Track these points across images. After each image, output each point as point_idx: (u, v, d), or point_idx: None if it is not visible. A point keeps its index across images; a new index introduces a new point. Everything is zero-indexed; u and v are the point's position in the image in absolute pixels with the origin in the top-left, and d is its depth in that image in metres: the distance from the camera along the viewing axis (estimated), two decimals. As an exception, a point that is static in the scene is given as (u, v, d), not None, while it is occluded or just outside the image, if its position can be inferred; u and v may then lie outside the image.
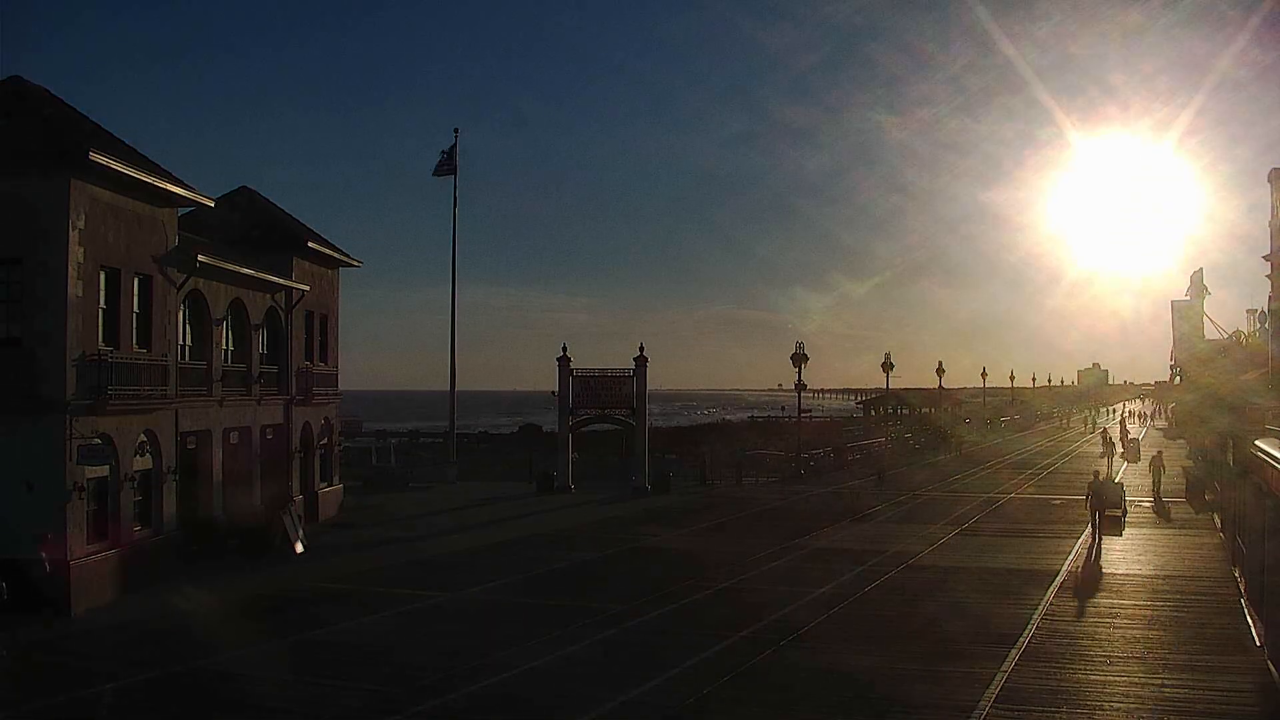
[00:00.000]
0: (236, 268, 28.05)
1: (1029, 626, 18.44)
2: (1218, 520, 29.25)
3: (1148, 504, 36.28)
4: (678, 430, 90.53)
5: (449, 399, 52.12)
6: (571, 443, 44.04)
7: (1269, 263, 31.14)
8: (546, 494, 41.93)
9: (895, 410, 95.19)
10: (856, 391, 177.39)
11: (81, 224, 21.16)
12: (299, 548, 27.64)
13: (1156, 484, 37.82)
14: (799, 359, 48.94)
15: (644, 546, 29.24)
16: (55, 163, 20.82)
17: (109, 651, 17.79)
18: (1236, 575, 21.18)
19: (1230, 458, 25.48)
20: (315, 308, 34.82)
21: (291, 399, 32.79)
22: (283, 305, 32.31)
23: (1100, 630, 18.37)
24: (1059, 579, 23.02)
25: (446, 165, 48.04)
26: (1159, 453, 41.74)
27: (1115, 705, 14.07)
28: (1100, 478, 30.80)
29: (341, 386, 38.24)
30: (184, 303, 26.09)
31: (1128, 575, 23.88)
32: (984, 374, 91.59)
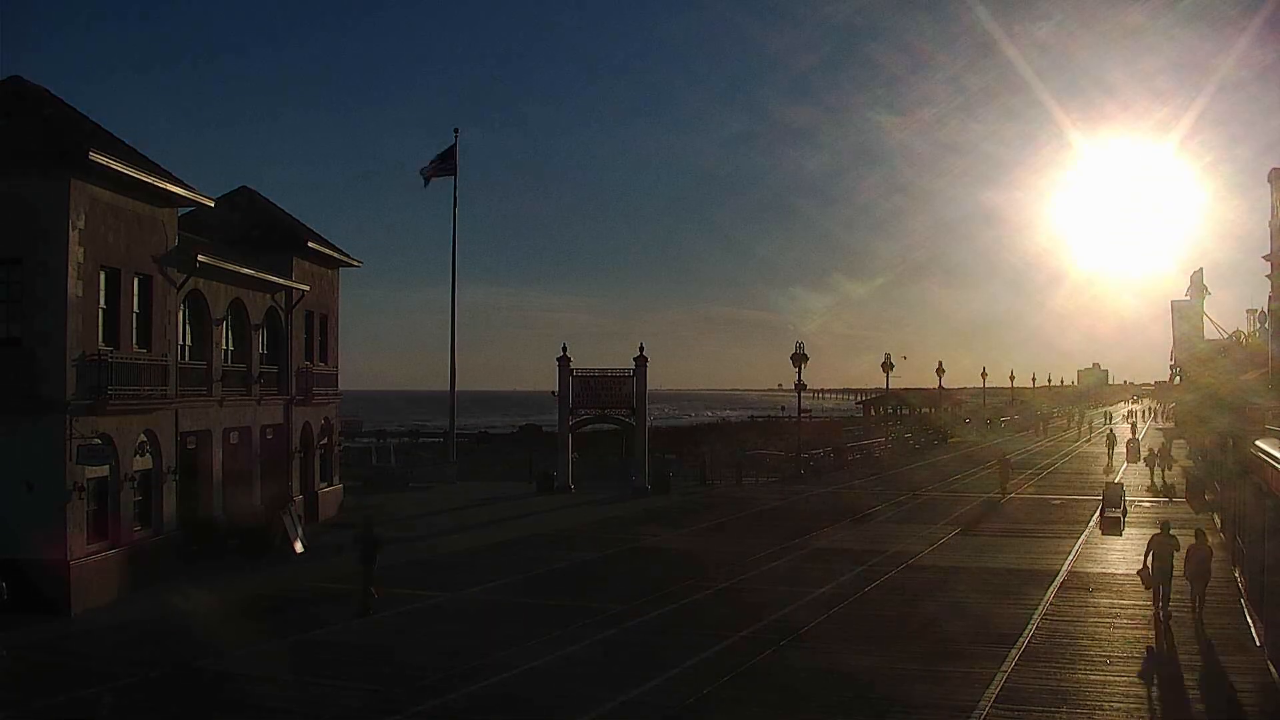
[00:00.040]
0: (236, 268, 28.05)
1: (1029, 626, 18.45)
2: (1218, 520, 29.23)
3: (1148, 504, 36.29)
4: (678, 430, 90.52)
5: (449, 399, 52.12)
6: (571, 443, 44.03)
7: (1269, 263, 31.17)
8: (546, 494, 41.92)
9: (895, 410, 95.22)
10: (856, 391, 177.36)
11: (81, 224, 21.16)
12: (299, 548, 27.65)
13: (1160, 476, 37.70)
14: (799, 359, 48.94)
15: (644, 546, 29.23)
16: (55, 163, 20.82)
17: (109, 651, 17.79)
18: (1236, 575, 21.18)
19: (1230, 458, 25.50)
20: (315, 308, 34.82)
21: (291, 399, 32.79)
22: (283, 305, 32.30)
23: (1100, 630, 18.37)
24: (1059, 579, 23.02)
25: (443, 166, 47.96)
26: (1159, 446, 41.66)
27: (1115, 705, 14.07)
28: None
29: (341, 386, 38.24)
30: (184, 303, 26.09)
31: (1128, 575, 23.85)
32: (984, 374, 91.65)
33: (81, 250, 21.12)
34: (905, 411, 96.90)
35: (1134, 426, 77.98)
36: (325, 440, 36.10)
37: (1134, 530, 30.52)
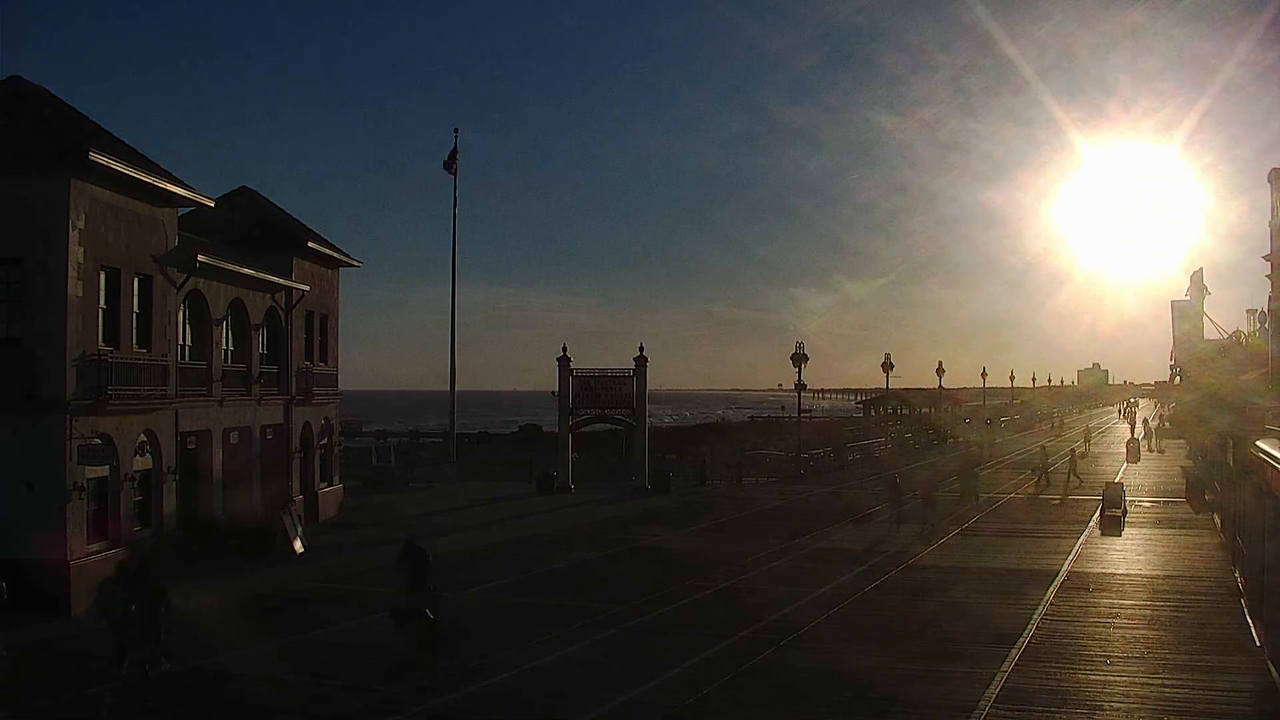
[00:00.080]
0: (236, 268, 28.05)
1: (1029, 626, 18.45)
2: (1218, 520, 29.26)
3: (1148, 503, 36.31)
4: (678, 430, 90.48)
5: (449, 399, 52.12)
6: (571, 443, 44.03)
7: (1269, 263, 31.14)
8: (546, 494, 41.93)
9: (895, 410, 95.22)
10: (856, 391, 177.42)
11: (81, 224, 21.16)
12: (299, 547, 27.65)
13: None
14: (799, 359, 48.95)
15: (644, 546, 29.23)
16: (55, 163, 20.82)
17: (109, 651, 17.75)
18: (1236, 575, 21.19)
19: (1230, 458, 25.49)
20: (315, 308, 34.82)
21: (291, 399, 32.79)
22: (283, 305, 32.31)
23: (1100, 630, 18.38)
24: (1059, 579, 23.02)
25: (446, 164, 48.10)
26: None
27: (1115, 705, 14.08)
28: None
29: (341, 386, 38.24)
30: (184, 303, 26.09)
31: (1128, 575, 23.89)
32: (984, 374, 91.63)
33: (81, 250, 21.12)
34: (905, 411, 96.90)
35: (1132, 427, 77.91)
36: (325, 440, 36.10)
37: (1134, 530, 30.56)
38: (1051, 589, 21.91)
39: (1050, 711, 13.90)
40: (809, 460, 51.72)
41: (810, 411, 63.95)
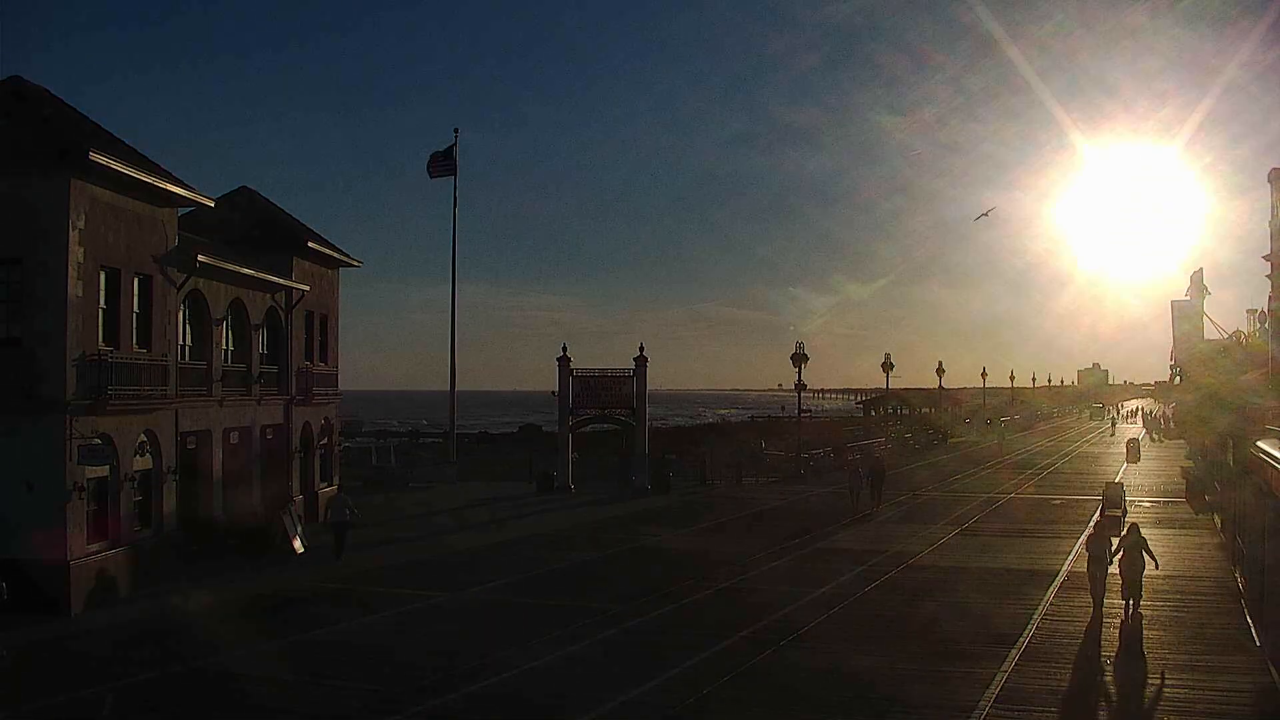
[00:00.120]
0: (236, 268, 28.04)
1: (1029, 626, 18.45)
2: (1218, 521, 29.25)
3: (1148, 504, 36.31)
4: (678, 430, 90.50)
5: (449, 399, 52.14)
6: (571, 443, 44.04)
7: (1269, 263, 31.15)
8: (546, 494, 41.93)
9: (895, 410, 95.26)
10: (857, 391, 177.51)
11: (81, 224, 21.16)
12: (299, 547, 27.65)
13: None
14: (799, 359, 48.94)
15: (644, 546, 29.23)
16: (55, 163, 20.81)
17: (109, 651, 17.78)
18: (1236, 576, 21.19)
19: (1231, 458, 25.49)
20: (315, 308, 34.81)
21: (291, 399, 32.79)
22: (283, 305, 32.30)
23: (1100, 630, 18.36)
24: (1059, 579, 23.02)
25: (444, 165, 48.01)
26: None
27: (1115, 705, 14.08)
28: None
29: (341, 386, 38.23)
30: (184, 303, 26.08)
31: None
32: (984, 374, 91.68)
33: (81, 250, 21.12)
34: (905, 411, 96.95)
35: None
36: (325, 440, 36.09)
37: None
38: (1051, 589, 21.91)
39: (1050, 711, 13.90)
40: (809, 460, 51.73)
41: (810, 411, 63.99)
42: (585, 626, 18.76)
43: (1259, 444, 17.01)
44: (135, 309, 23.44)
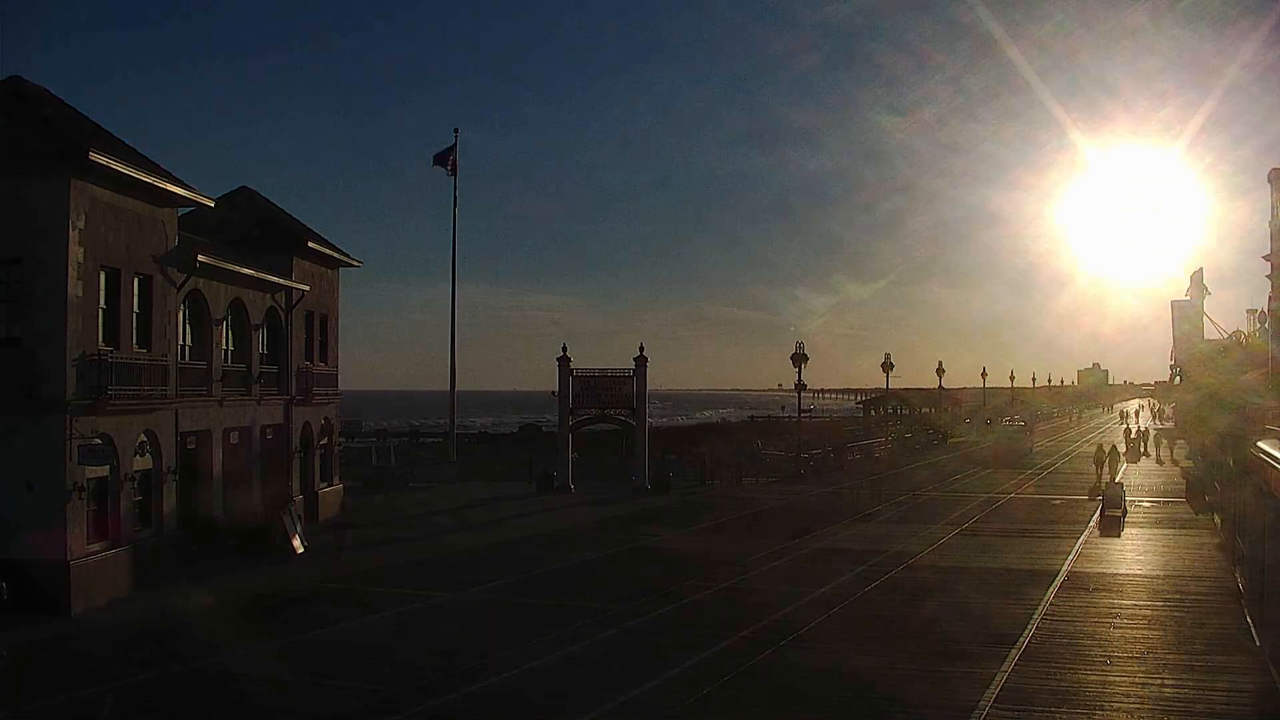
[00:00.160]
0: (236, 268, 28.05)
1: (1029, 626, 18.46)
2: (1218, 521, 29.26)
3: (1148, 504, 36.34)
4: (678, 430, 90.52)
5: (449, 399, 52.15)
6: (571, 443, 44.04)
7: (1269, 263, 31.19)
8: (546, 494, 41.94)
9: (895, 410, 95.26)
10: (857, 391, 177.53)
11: (81, 224, 21.16)
12: (299, 547, 27.65)
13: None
14: (799, 359, 48.97)
15: (644, 546, 29.24)
16: (55, 163, 20.81)
17: (109, 651, 17.78)
18: (1236, 576, 21.18)
19: (1231, 458, 25.49)
20: (315, 308, 34.82)
21: (291, 399, 32.79)
22: (283, 305, 32.31)
23: (1100, 630, 18.38)
24: (1059, 579, 23.02)
25: (449, 162, 48.04)
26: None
27: (1115, 705, 14.08)
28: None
29: (341, 386, 38.25)
30: (184, 303, 26.08)
31: (1128, 575, 23.90)
32: (984, 374, 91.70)
33: (81, 250, 21.12)
34: (905, 411, 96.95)
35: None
36: (325, 440, 36.10)
37: (1134, 530, 30.57)
38: (1051, 589, 21.92)
39: (1050, 711, 13.90)
40: (809, 460, 51.75)
41: (810, 411, 64.02)
42: (585, 626, 18.77)
43: (1259, 444, 17.00)
44: (135, 309, 23.43)
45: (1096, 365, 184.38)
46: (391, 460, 53.41)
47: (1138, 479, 44.77)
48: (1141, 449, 57.67)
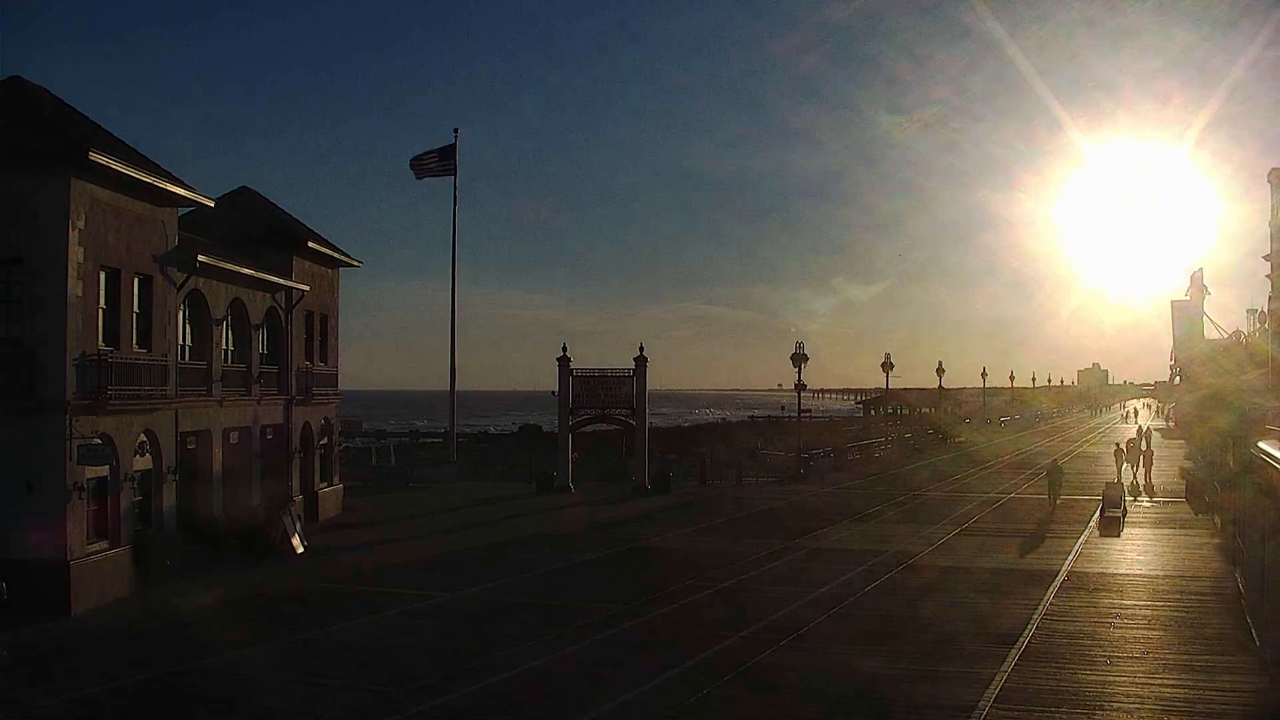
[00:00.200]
0: (236, 268, 28.05)
1: (1029, 626, 18.44)
2: (1218, 521, 29.25)
3: (1148, 504, 36.32)
4: (678, 430, 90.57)
5: (449, 399, 52.15)
6: (571, 443, 44.04)
7: (1269, 263, 31.20)
8: (546, 494, 41.92)
9: (895, 410, 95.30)
10: (857, 391, 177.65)
11: (81, 224, 21.15)
12: (299, 547, 27.65)
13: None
14: (799, 359, 48.96)
15: (644, 546, 29.23)
16: (55, 162, 20.80)
17: (108, 651, 17.80)
18: (1236, 576, 21.18)
19: (1231, 458, 25.50)
20: (315, 308, 34.82)
21: (291, 399, 32.79)
22: (283, 305, 32.31)
23: (1100, 630, 18.37)
24: (1059, 579, 23.02)
25: (443, 166, 47.93)
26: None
27: (1115, 705, 14.08)
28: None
29: (341, 386, 38.25)
30: (184, 303, 26.07)
31: (1128, 575, 23.89)
32: (984, 374, 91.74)
33: (81, 250, 21.11)
34: (905, 411, 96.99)
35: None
36: (325, 440, 36.10)
37: (1134, 530, 30.56)
38: (1051, 589, 21.91)
39: (1050, 711, 13.89)
40: (809, 460, 51.76)
41: (810, 412, 64.03)
42: (585, 626, 18.77)
43: (1259, 444, 17.00)
44: (135, 309, 23.43)
45: (1096, 365, 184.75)
46: (391, 460, 53.43)
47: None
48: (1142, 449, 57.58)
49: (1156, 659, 16.41)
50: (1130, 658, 16.52)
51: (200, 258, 25.48)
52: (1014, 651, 16.68)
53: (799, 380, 49.42)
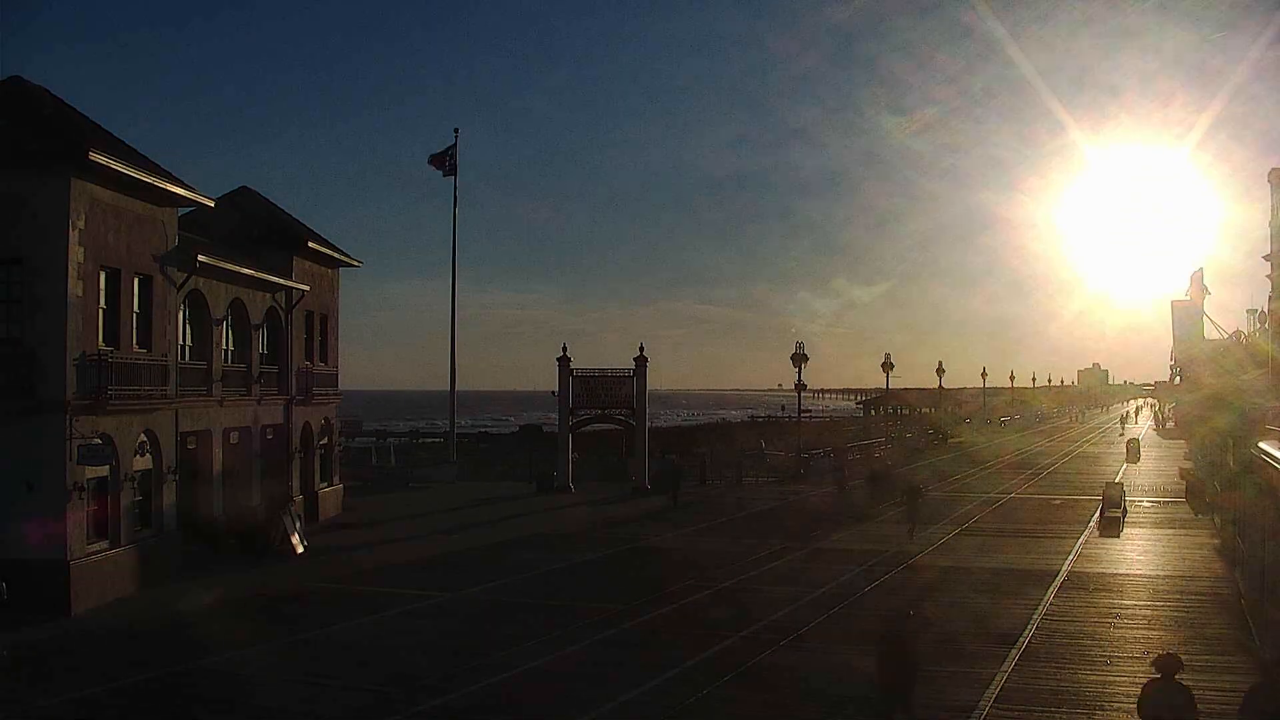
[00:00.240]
0: (236, 268, 28.04)
1: (1029, 626, 18.45)
2: (1218, 521, 29.25)
3: (1148, 504, 36.31)
4: (678, 430, 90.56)
5: (449, 399, 52.14)
6: (571, 443, 44.03)
7: (1269, 263, 31.16)
8: (546, 494, 41.92)
9: (895, 410, 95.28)
10: (857, 391, 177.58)
11: (81, 224, 21.15)
12: (299, 547, 27.65)
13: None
14: (799, 359, 48.94)
15: (644, 546, 29.23)
16: (55, 162, 20.80)
17: (109, 651, 17.80)
18: (1236, 576, 21.18)
19: (1231, 458, 25.50)
20: (315, 308, 34.81)
21: (291, 399, 32.78)
22: (283, 305, 32.30)
23: (1100, 630, 18.37)
24: (1059, 579, 23.01)
25: (444, 165, 48.00)
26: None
27: (1115, 705, 14.08)
28: None
29: (341, 386, 38.25)
30: (184, 303, 26.07)
31: (1128, 575, 23.89)
32: (984, 374, 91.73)
33: (81, 250, 21.11)
34: (905, 411, 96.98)
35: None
36: (325, 440, 36.10)
37: (1134, 530, 30.56)
38: (1051, 589, 21.91)
39: (1050, 711, 13.90)
40: (809, 460, 51.75)
41: (810, 412, 64.06)
42: (584, 626, 18.77)
43: (1260, 444, 17.00)
44: (135, 309, 23.42)
45: (1096, 365, 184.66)
46: (391, 460, 53.47)
47: (1138, 479, 44.75)
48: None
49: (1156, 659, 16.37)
50: (1130, 658, 16.51)
51: (200, 258, 25.48)
52: (1014, 651, 16.69)
53: (799, 380, 49.41)
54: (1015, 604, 20.48)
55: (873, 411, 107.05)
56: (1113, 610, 20.02)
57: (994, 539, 29.46)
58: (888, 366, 62.91)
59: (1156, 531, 30.49)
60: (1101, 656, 16.58)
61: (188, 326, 26.79)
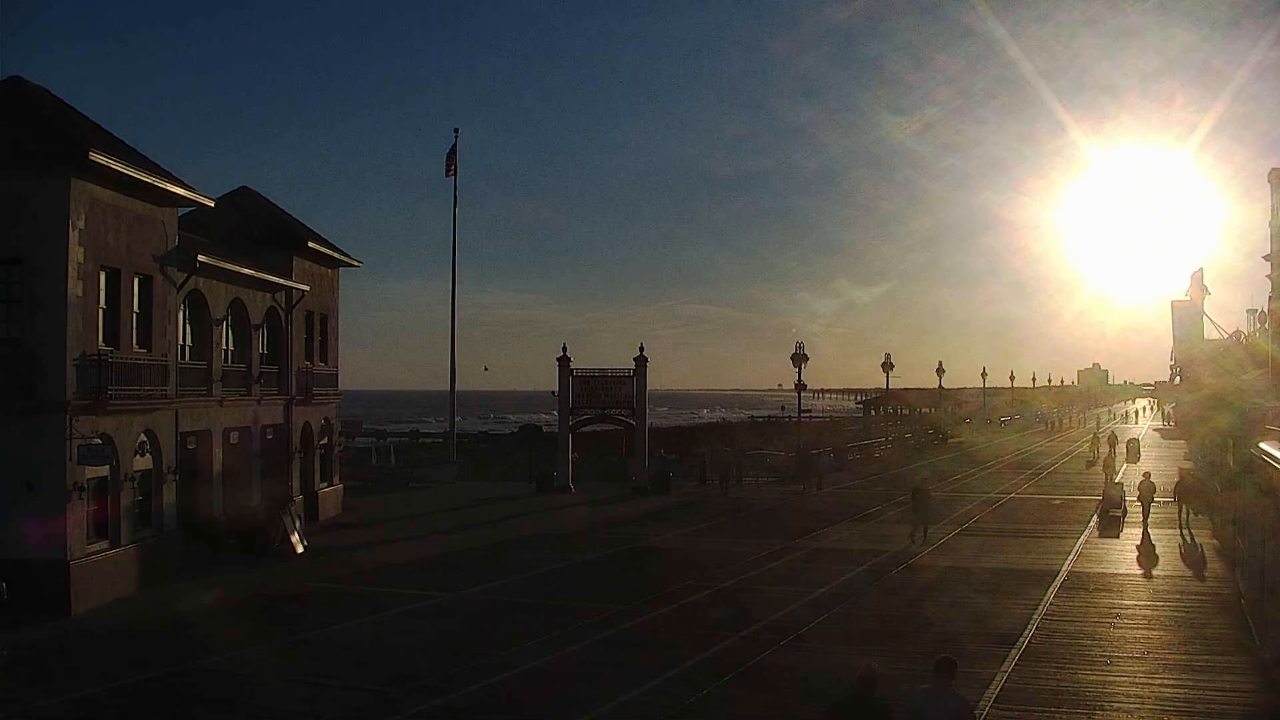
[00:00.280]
0: (236, 268, 28.05)
1: (1029, 626, 18.44)
2: (1217, 521, 29.22)
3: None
4: (678, 430, 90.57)
5: (449, 399, 52.14)
6: (571, 443, 44.04)
7: (1269, 263, 31.20)
8: (546, 494, 41.93)
9: (896, 410, 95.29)
10: (857, 391, 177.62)
11: (81, 224, 21.15)
12: (299, 547, 27.65)
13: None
14: (799, 359, 48.96)
15: (644, 546, 29.23)
16: (55, 162, 20.81)
17: (108, 651, 17.80)
18: (1236, 576, 21.18)
19: (1231, 458, 25.49)
20: (315, 308, 34.82)
21: (291, 399, 32.79)
22: (283, 305, 32.31)
23: (1100, 630, 18.36)
24: (1059, 579, 23.01)
25: (445, 165, 48.17)
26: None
27: (1115, 705, 14.07)
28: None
29: (341, 386, 38.26)
30: (184, 303, 26.08)
31: (1128, 575, 23.88)
32: (984, 374, 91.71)
33: (81, 250, 21.11)
34: (906, 412, 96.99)
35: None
36: (325, 440, 36.11)
37: (1133, 530, 30.52)
38: (1051, 589, 21.90)
39: (1050, 711, 13.89)
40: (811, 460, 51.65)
41: (810, 412, 64.05)
42: (584, 626, 18.76)
43: (1260, 444, 17.01)
44: (135, 309, 23.43)
45: (1096, 365, 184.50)
46: (391, 460, 53.45)
47: (1138, 479, 44.63)
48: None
49: (1156, 659, 16.41)
50: (1130, 658, 16.52)
51: (200, 258, 25.48)
52: (1014, 651, 16.67)
53: (799, 380, 49.43)
54: (1015, 604, 20.47)
55: (873, 411, 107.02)
56: (1113, 610, 20.01)
57: (994, 539, 29.46)
58: (888, 366, 62.94)
59: (1157, 531, 30.44)
60: (1101, 656, 16.56)
61: (188, 326, 26.81)
